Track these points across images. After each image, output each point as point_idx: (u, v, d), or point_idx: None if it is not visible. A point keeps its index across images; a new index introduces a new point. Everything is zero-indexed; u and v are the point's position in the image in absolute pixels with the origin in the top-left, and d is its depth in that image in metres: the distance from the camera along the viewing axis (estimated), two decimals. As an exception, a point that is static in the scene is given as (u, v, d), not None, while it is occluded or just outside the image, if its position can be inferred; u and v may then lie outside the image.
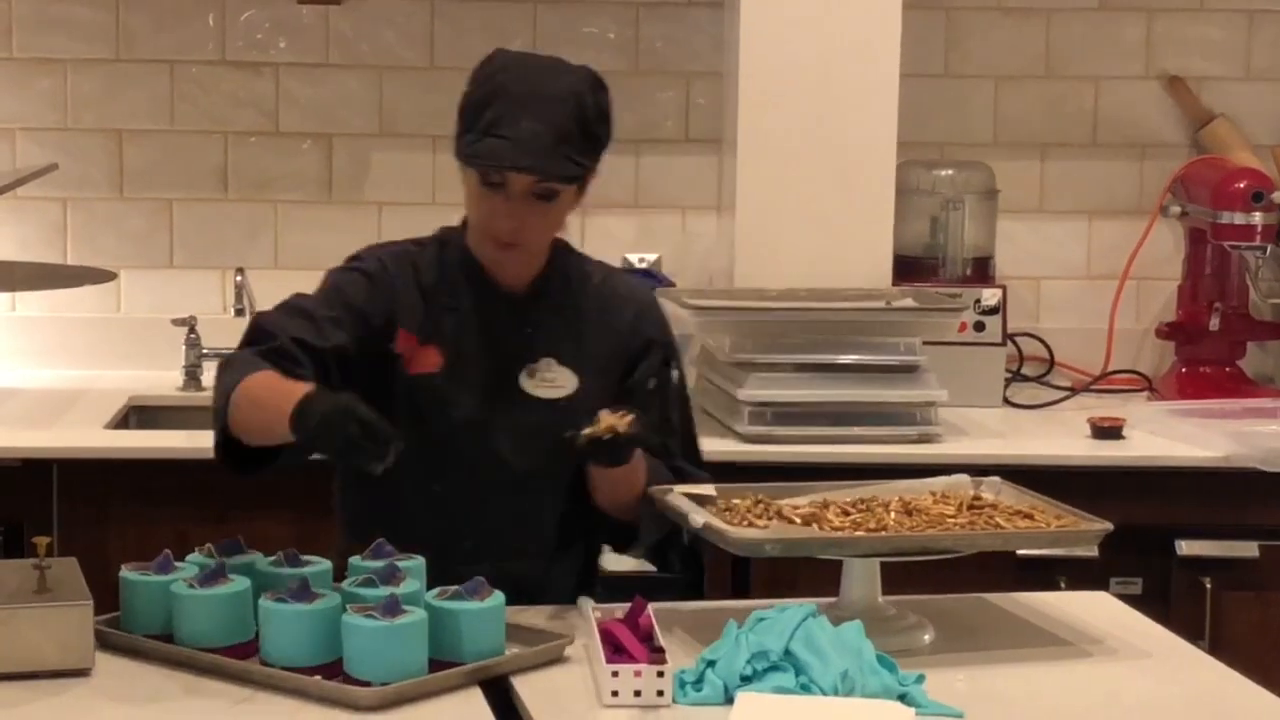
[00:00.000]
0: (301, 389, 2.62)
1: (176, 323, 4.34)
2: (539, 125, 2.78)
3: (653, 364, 2.94)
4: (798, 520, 2.77)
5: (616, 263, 4.49)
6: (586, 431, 2.72)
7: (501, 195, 2.82)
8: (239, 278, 4.34)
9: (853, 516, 2.79)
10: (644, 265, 4.52)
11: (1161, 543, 3.88)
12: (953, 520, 2.79)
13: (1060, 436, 4.05)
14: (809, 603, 2.60)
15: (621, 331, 2.98)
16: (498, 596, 2.59)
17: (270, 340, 2.80)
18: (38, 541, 2.60)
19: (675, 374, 2.98)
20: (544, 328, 2.94)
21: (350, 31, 4.50)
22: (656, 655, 2.48)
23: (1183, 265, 4.56)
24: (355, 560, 2.67)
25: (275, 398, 2.64)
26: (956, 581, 3.11)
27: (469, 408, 2.90)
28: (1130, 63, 4.64)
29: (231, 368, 2.77)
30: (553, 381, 2.93)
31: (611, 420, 2.72)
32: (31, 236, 4.47)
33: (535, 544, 2.73)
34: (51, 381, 4.37)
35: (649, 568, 3.11)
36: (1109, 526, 2.79)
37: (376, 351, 2.88)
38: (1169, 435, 4.01)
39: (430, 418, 2.89)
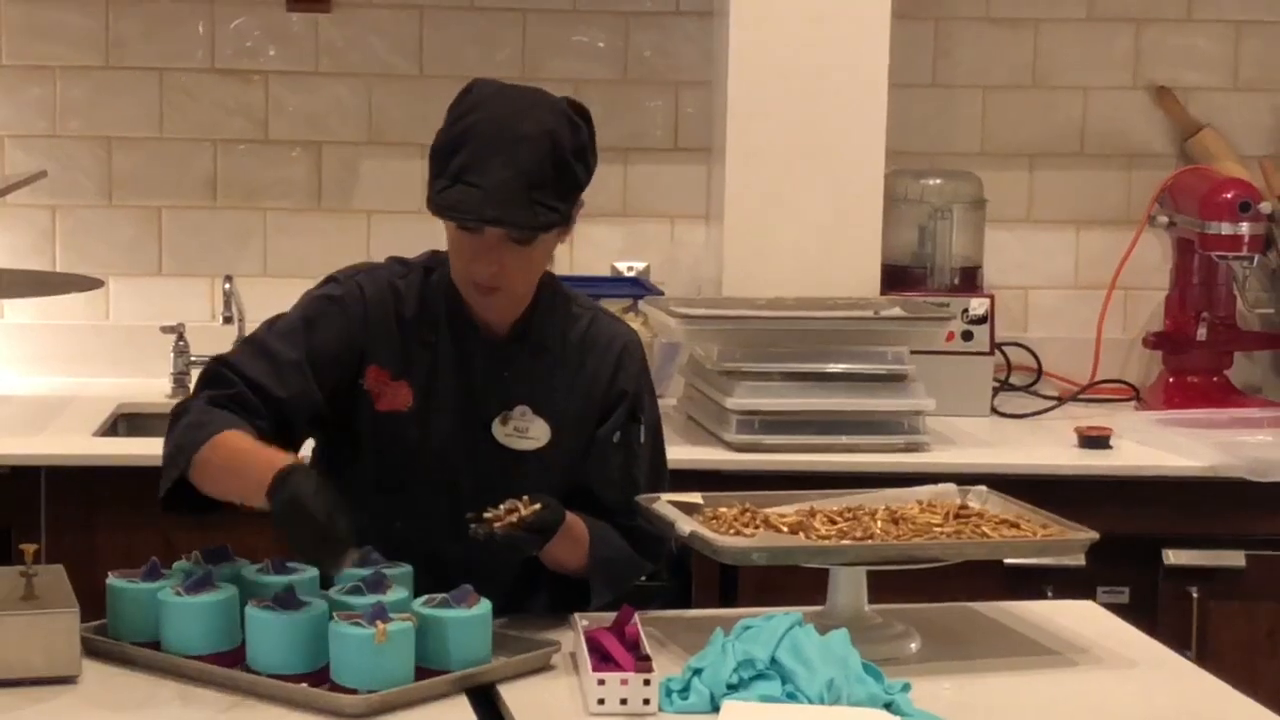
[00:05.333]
0: (275, 461, 2.57)
1: (165, 330, 4.34)
2: (508, 172, 2.70)
3: (619, 418, 2.94)
4: (785, 529, 2.77)
5: (605, 271, 4.51)
6: (488, 515, 2.65)
7: (479, 240, 2.76)
8: (227, 285, 4.34)
9: (839, 525, 2.79)
10: (632, 274, 4.52)
11: (1148, 552, 3.89)
12: (939, 529, 2.80)
13: (1047, 446, 4.06)
14: (796, 611, 2.61)
15: (600, 382, 2.93)
16: (484, 605, 2.59)
17: (226, 385, 2.76)
18: (25, 548, 2.61)
19: (641, 428, 2.95)
20: (522, 373, 2.88)
21: (340, 40, 4.50)
22: (643, 664, 2.48)
23: (1170, 275, 4.57)
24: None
25: (250, 467, 2.59)
26: (943, 590, 3.12)
27: (436, 450, 2.86)
28: (1118, 73, 4.65)
29: (188, 419, 2.72)
30: (525, 432, 2.88)
31: (515, 508, 2.66)
32: (20, 243, 4.46)
33: (494, 590, 2.68)
34: (40, 388, 4.36)
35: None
36: (1095, 536, 2.80)
37: (344, 388, 2.84)
38: (1156, 445, 4.02)
39: (395, 456, 2.86)
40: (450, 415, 2.87)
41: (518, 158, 2.71)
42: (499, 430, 2.88)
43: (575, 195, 2.79)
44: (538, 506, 2.69)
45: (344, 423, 2.86)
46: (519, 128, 2.73)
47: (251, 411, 2.75)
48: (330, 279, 2.92)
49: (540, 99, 2.80)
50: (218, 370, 2.81)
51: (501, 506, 2.68)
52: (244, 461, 2.63)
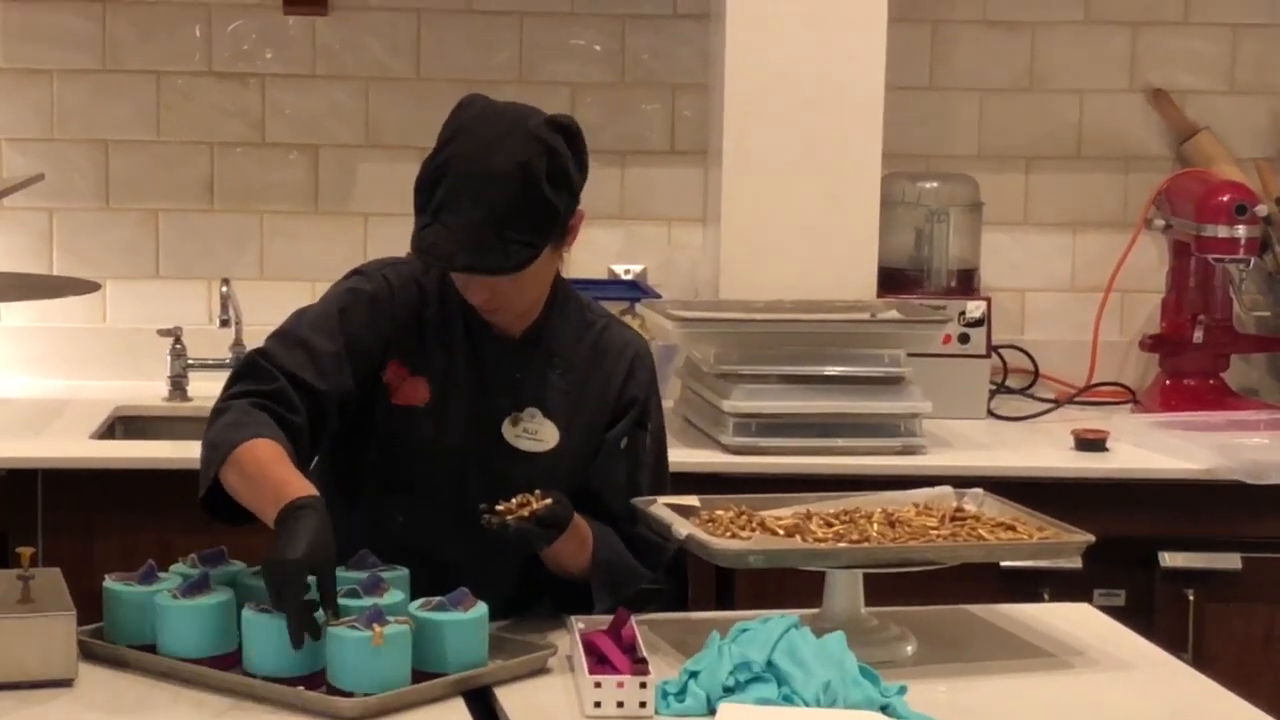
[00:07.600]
0: (292, 489, 2.56)
1: (162, 333, 4.34)
2: (478, 212, 2.69)
3: (627, 425, 2.95)
4: (781, 532, 2.77)
5: (602, 274, 4.51)
6: (500, 507, 2.68)
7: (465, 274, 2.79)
8: (224, 288, 4.33)
9: (836, 528, 2.79)
10: (629, 276, 4.53)
11: (1145, 555, 3.89)
12: (935, 532, 2.80)
13: (1044, 448, 4.06)
14: (792, 614, 2.61)
15: (611, 388, 2.95)
16: (481, 608, 2.59)
17: (267, 379, 2.76)
18: (21, 552, 2.61)
19: (648, 435, 2.97)
20: (534, 376, 2.90)
21: (337, 43, 4.50)
22: (639, 666, 2.48)
23: (1166, 278, 4.57)
24: (339, 571, 2.66)
25: (268, 486, 2.59)
26: (939, 593, 3.11)
27: (447, 447, 2.87)
28: (1115, 76, 4.66)
29: (227, 419, 2.71)
30: (534, 434, 2.89)
31: (527, 501, 2.69)
32: (17, 246, 4.46)
33: (496, 594, 2.69)
34: (37, 391, 4.36)
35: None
36: (1091, 538, 2.80)
37: (368, 380, 2.85)
38: (1152, 447, 4.02)
39: (405, 451, 2.87)
40: (462, 414, 2.88)
41: (488, 196, 2.70)
42: (508, 431, 2.89)
43: (553, 223, 2.76)
44: (549, 501, 2.71)
45: (359, 413, 2.87)
46: (490, 163, 2.71)
47: (290, 407, 2.75)
48: (356, 272, 2.94)
49: (516, 125, 2.75)
50: (256, 362, 2.80)
51: (514, 500, 2.70)
52: (264, 477, 2.62)
